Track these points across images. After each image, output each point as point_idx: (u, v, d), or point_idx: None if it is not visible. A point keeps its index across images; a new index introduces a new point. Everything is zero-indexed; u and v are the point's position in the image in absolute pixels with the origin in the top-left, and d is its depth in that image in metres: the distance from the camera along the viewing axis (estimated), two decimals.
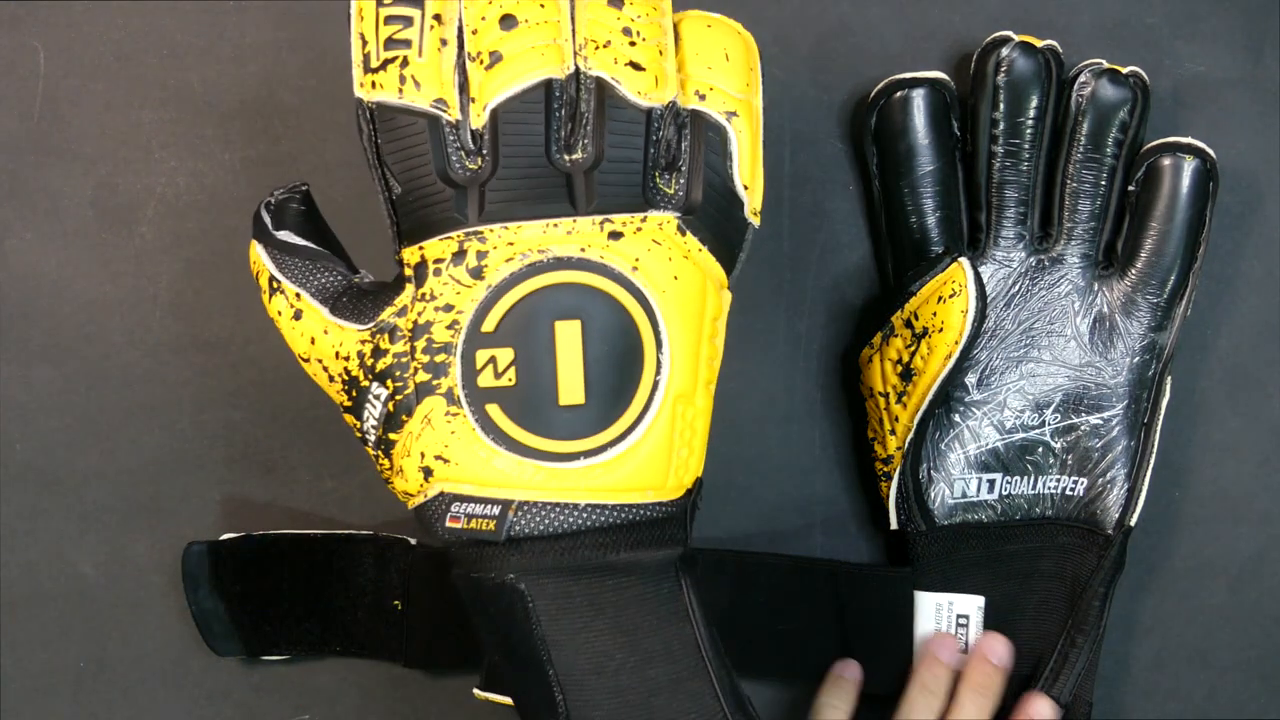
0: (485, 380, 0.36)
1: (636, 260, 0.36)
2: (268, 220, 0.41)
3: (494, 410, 0.36)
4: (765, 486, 0.54)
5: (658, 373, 0.37)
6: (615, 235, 0.36)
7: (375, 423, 0.38)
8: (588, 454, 0.36)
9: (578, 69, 0.36)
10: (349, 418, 0.39)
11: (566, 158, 0.36)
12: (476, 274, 0.36)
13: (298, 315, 0.39)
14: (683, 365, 0.37)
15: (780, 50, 0.53)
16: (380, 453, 0.38)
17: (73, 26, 0.52)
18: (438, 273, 0.36)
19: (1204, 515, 0.54)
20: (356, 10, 0.37)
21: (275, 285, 0.39)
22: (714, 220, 0.38)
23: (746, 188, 0.38)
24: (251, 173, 0.52)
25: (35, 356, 0.53)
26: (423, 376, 0.36)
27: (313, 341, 0.39)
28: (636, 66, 0.37)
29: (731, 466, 0.53)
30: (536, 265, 0.36)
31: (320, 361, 0.39)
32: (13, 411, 0.53)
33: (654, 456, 0.37)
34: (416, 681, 0.53)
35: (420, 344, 0.36)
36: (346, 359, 0.38)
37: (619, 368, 0.36)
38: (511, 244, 0.36)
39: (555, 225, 0.36)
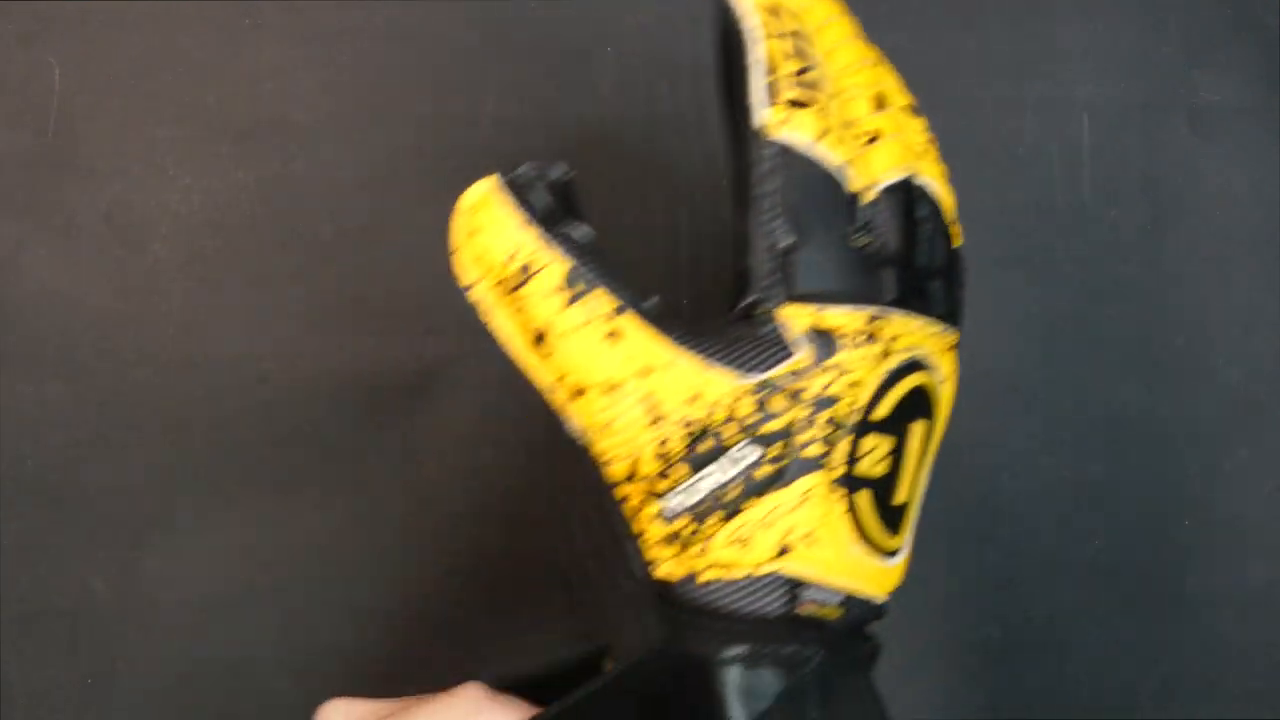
0: (863, 467, 0.34)
1: (947, 375, 0.36)
2: (542, 197, 0.35)
3: (862, 499, 0.34)
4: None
5: (922, 487, 0.37)
6: (952, 348, 0.37)
7: (721, 482, 0.34)
8: (892, 554, 0.36)
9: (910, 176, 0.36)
10: (628, 463, 0.34)
11: (919, 258, 0.36)
12: (882, 357, 0.34)
13: (614, 335, 0.33)
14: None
15: None
16: (707, 514, 0.34)
17: (88, 43, 0.52)
18: (846, 347, 0.34)
19: (1213, 545, 0.54)
20: (762, 28, 0.35)
21: (578, 290, 0.33)
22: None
23: None
24: (265, 192, 0.52)
25: (47, 372, 0.52)
26: (815, 450, 0.34)
27: (644, 373, 0.33)
28: (946, 179, 0.37)
29: None
30: (917, 363, 0.35)
31: (646, 398, 0.33)
32: (23, 426, 0.53)
33: (907, 560, 0.37)
34: None
35: (823, 416, 0.34)
36: (711, 406, 0.33)
37: (924, 475, 0.37)
38: (909, 335, 0.35)
39: (929, 324, 0.35)
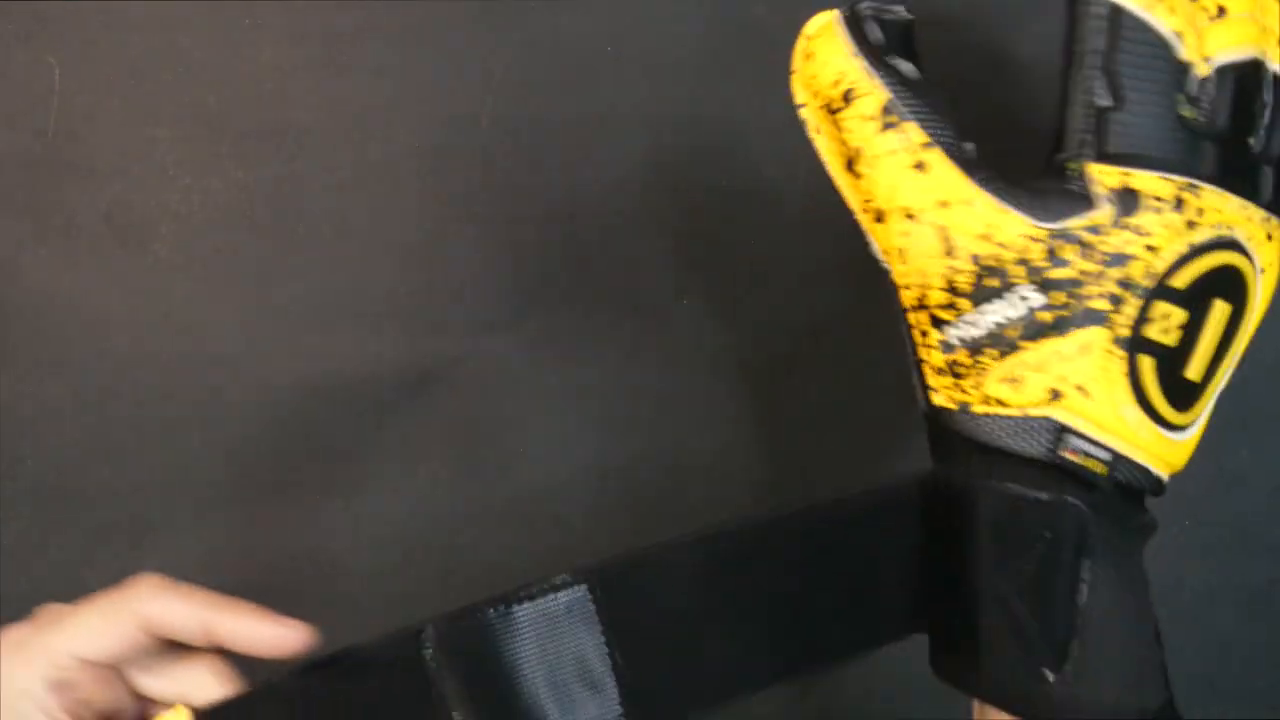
0: (1151, 332, 0.35)
1: (1267, 265, 0.37)
2: (875, 31, 0.37)
3: (1145, 363, 0.35)
4: None
5: (1225, 373, 0.38)
6: (1270, 237, 0.37)
7: (1001, 320, 0.36)
8: (1180, 429, 0.37)
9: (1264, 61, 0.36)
10: (919, 290, 0.37)
11: (1252, 141, 0.36)
12: (1189, 227, 0.35)
13: (920, 167, 0.36)
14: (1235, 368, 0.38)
15: None
16: (984, 349, 0.36)
17: (88, 43, 0.52)
18: (1148, 210, 0.35)
19: (1214, 544, 0.54)
20: None
21: (891, 120, 0.36)
22: None
23: None
24: (265, 192, 0.52)
25: (47, 372, 0.52)
26: (1100, 305, 0.35)
27: (942, 205, 0.36)
28: None
29: None
30: (1231, 242, 0.36)
31: (940, 229, 0.36)
32: (23, 427, 0.53)
33: (1196, 444, 0.38)
34: None
35: (1114, 273, 0.35)
36: (1001, 245, 0.35)
37: (1226, 360, 0.37)
38: (1219, 211, 0.35)
39: (1248, 207, 0.36)
